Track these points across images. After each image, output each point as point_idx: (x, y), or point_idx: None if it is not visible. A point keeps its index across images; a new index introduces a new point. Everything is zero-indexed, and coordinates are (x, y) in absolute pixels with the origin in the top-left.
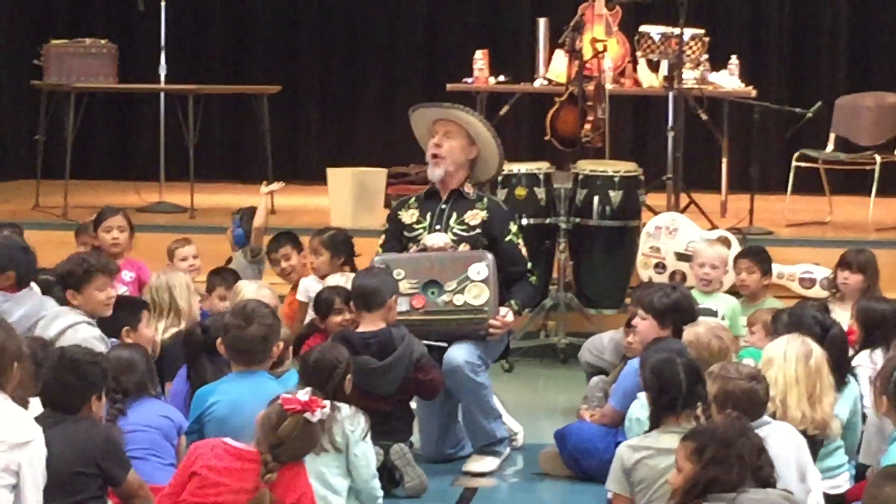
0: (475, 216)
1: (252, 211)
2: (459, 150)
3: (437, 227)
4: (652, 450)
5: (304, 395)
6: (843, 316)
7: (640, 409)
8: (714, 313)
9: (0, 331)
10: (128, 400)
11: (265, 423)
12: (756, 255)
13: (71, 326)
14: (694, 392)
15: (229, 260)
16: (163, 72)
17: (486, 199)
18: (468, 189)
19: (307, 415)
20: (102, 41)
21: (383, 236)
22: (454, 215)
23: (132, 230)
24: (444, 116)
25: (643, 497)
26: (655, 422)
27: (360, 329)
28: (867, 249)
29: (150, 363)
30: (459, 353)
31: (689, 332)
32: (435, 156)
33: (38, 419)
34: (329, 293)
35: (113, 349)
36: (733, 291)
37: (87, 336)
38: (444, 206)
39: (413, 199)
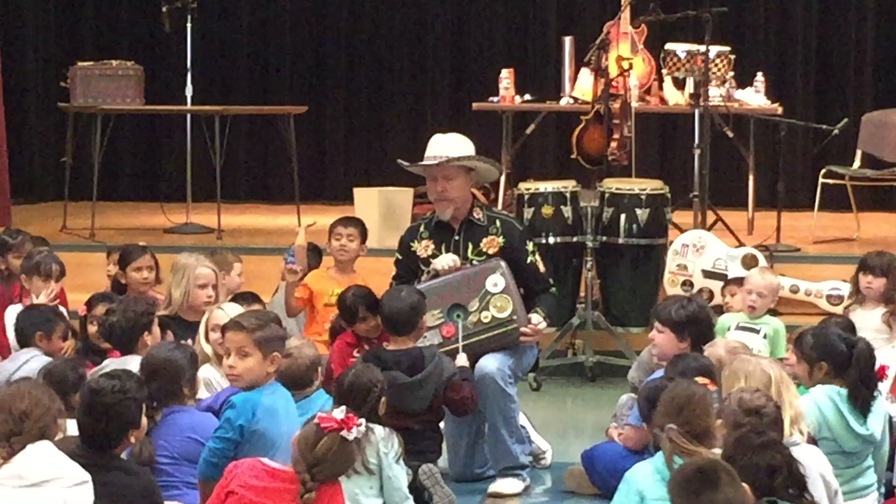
0: (491, 243)
1: (311, 246)
2: (463, 186)
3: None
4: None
5: (339, 413)
6: (867, 318)
7: None
8: (756, 331)
9: (45, 392)
10: (160, 409)
11: (302, 443)
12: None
13: None
14: None
15: (277, 290)
16: (189, 93)
17: (498, 223)
18: (478, 214)
19: (344, 433)
20: (129, 63)
21: (396, 269)
22: (469, 246)
23: (158, 267)
24: (436, 171)
25: None
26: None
27: (391, 347)
28: (887, 252)
29: (193, 365)
30: (491, 363)
31: (711, 353)
32: (440, 199)
33: (74, 456)
34: (353, 299)
35: (155, 349)
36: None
37: None
38: (457, 238)
39: (422, 226)
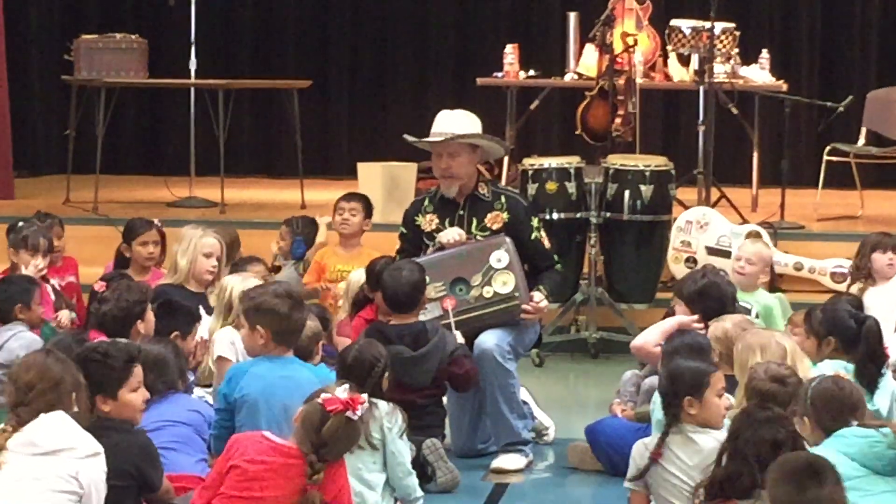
0: (496, 219)
1: (306, 220)
2: (467, 163)
3: None
4: (668, 449)
5: (342, 392)
6: (880, 296)
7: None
8: (748, 311)
9: (57, 364)
10: (154, 397)
11: (307, 423)
12: None
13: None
14: None
15: (278, 269)
16: (193, 66)
17: (503, 198)
18: (483, 190)
19: (349, 413)
20: (133, 36)
21: (400, 243)
22: (474, 220)
23: (164, 243)
24: (441, 147)
25: (666, 493)
26: (673, 423)
27: (394, 322)
28: None
29: (180, 359)
30: (490, 339)
31: (715, 328)
32: (445, 176)
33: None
34: (384, 266)
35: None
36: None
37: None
38: (462, 212)
39: (426, 200)
